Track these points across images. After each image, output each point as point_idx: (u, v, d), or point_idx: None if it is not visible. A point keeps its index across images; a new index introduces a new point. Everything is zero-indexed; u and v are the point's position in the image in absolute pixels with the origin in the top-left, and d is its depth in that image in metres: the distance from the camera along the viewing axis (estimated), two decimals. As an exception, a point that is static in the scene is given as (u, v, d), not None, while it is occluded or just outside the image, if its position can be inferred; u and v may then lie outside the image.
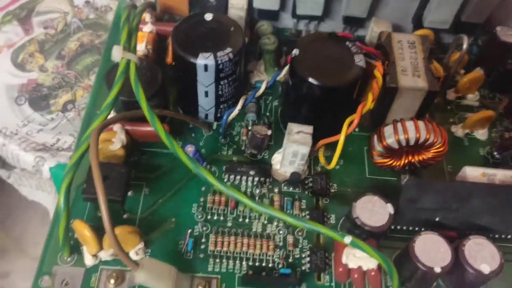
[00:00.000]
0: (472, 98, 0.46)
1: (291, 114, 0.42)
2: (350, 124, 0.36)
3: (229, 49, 0.37)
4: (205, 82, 0.39)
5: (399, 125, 0.38)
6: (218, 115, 0.42)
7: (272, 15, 0.48)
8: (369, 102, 0.37)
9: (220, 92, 0.40)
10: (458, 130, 0.44)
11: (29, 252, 0.75)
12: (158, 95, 0.40)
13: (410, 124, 0.37)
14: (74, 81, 0.48)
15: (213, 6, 0.47)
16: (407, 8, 0.48)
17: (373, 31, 0.45)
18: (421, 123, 0.37)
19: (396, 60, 0.40)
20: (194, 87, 0.39)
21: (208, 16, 0.40)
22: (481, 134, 0.44)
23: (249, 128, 0.43)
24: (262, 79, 0.46)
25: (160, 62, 0.45)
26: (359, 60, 0.38)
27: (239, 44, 0.38)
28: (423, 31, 0.46)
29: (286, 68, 0.41)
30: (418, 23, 0.48)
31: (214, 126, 0.43)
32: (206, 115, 0.42)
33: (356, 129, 0.44)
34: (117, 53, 0.37)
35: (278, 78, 0.42)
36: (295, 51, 0.38)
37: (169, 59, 0.44)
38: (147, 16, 0.46)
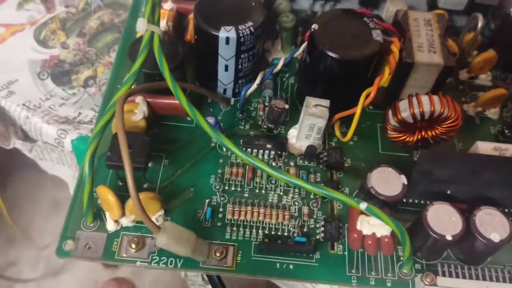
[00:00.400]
0: (484, 78, 0.47)
1: (308, 90, 0.43)
2: (367, 97, 0.37)
3: (250, 23, 0.39)
4: (225, 56, 0.40)
5: (414, 99, 0.39)
6: (236, 90, 0.44)
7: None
8: (386, 76, 0.38)
9: (240, 67, 0.41)
10: (470, 109, 0.45)
11: (36, 241, 0.76)
12: (179, 68, 0.41)
13: (425, 98, 0.38)
14: (95, 58, 0.49)
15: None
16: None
17: (388, 10, 0.46)
18: (435, 97, 0.38)
19: (412, 37, 0.41)
20: (215, 60, 0.40)
21: (230, -9, 0.41)
22: (493, 113, 0.45)
23: (266, 104, 0.44)
24: (279, 57, 0.47)
25: (180, 39, 0.47)
26: (377, 35, 0.39)
27: (260, 18, 0.39)
28: (438, 11, 0.46)
29: (304, 45, 0.42)
30: (432, 4, 0.49)
31: (232, 102, 0.44)
32: (225, 90, 0.43)
33: (370, 107, 0.45)
34: (142, 25, 0.38)
35: (295, 55, 0.43)
36: (314, 26, 0.39)
37: (188, 36, 0.45)
38: (167, -8, 0.47)
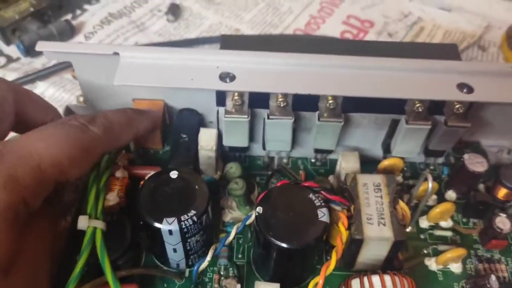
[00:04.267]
0: (445, 225, 0.46)
1: (261, 263, 0.42)
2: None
3: (193, 212, 0.38)
4: (172, 242, 0.39)
5: (365, 280, 0.38)
6: (190, 263, 0.43)
7: (242, 149, 0.49)
8: (332, 263, 0.37)
9: (188, 247, 0.40)
10: (432, 264, 0.44)
11: None
12: (128, 251, 0.40)
13: (376, 280, 0.37)
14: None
15: (185, 142, 0.48)
16: (375, 136, 0.49)
17: (341, 166, 0.45)
18: (387, 279, 0.37)
19: (361, 207, 0.40)
20: (162, 245, 0.39)
21: (173, 174, 0.40)
22: (456, 267, 0.43)
23: (221, 273, 0.43)
24: (235, 216, 0.46)
25: (133, 206, 0.46)
26: (323, 215, 0.38)
27: (203, 204, 0.39)
28: (393, 160, 0.46)
29: (255, 212, 0.41)
30: (387, 149, 0.49)
31: (187, 273, 0.43)
32: (178, 265, 0.42)
33: (329, 268, 0.44)
34: (84, 223, 0.37)
35: (247, 223, 0.42)
36: (259, 209, 0.39)
37: (141, 205, 0.45)
38: (120, 159, 0.47)
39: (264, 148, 0.49)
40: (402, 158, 0.47)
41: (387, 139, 0.48)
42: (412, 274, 0.42)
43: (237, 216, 0.46)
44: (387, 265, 0.42)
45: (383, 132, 0.48)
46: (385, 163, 0.46)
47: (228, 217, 0.46)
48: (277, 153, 0.50)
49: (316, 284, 0.36)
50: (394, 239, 0.39)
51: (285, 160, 0.51)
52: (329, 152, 0.49)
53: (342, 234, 0.38)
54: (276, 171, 0.50)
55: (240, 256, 0.44)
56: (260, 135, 0.49)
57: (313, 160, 0.51)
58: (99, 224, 0.38)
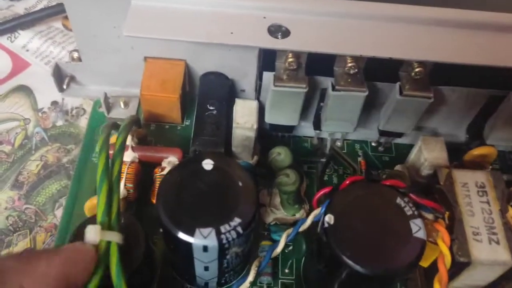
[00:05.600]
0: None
1: (318, 284, 0.32)
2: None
3: (237, 220, 0.27)
4: (204, 259, 0.28)
5: (473, 317, 0.27)
6: (223, 281, 0.32)
7: (288, 128, 0.38)
8: (436, 297, 0.26)
9: (225, 265, 0.29)
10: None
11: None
12: (143, 266, 0.29)
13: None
14: (34, 220, 0.37)
15: (213, 116, 0.37)
16: (462, 117, 0.38)
17: (423, 156, 0.34)
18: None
19: (463, 216, 0.29)
20: (190, 261, 0.28)
21: (208, 165, 0.29)
22: None
23: (264, 293, 0.33)
24: (278, 217, 0.35)
25: (144, 199, 0.35)
26: (418, 229, 0.27)
27: (251, 209, 0.27)
28: (485, 148, 0.35)
29: (312, 216, 0.31)
30: (475, 134, 0.38)
31: (217, 294, 0.33)
32: (206, 284, 0.32)
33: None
34: (93, 235, 0.26)
35: (301, 230, 0.31)
36: (329, 218, 0.27)
37: (155, 200, 0.33)
38: (128, 138, 0.36)
39: (317, 128, 0.38)
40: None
41: (478, 121, 0.37)
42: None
43: (282, 216, 0.35)
44: (487, 291, 0.32)
45: (474, 112, 0.37)
46: (474, 152, 0.35)
47: (270, 217, 0.35)
48: (330, 134, 0.39)
49: None
50: (513, 263, 0.28)
51: (339, 143, 0.40)
52: (399, 135, 0.38)
53: (445, 256, 0.28)
54: (330, 157, 0.38)
55: (287, 271, 0.34)
56: (312, 110, 0.38)
57: (374, 144, 0.40)
58: (115, 237, 0.26)
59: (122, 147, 0.30)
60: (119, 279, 0.26)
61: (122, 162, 0.30)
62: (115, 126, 0.33)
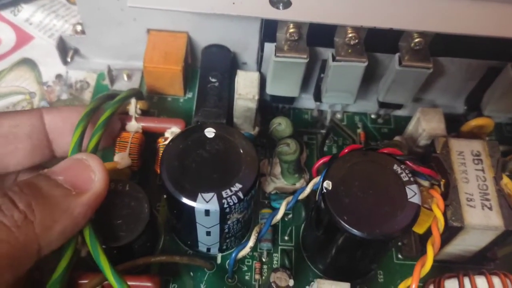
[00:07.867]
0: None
1: (317, 249, 0.33)
2: (405, 291, 0.27)
3: (238, 186, 0.28)
4: (206, 224, 0.29)
5: (466, 281, 0.28)
6: (224, 247, 0.33)
7: (289, 99, 0.39)
8: (429, 262, 0.27)
9: (226, 231, 0.30)
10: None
11: None
12: (146, 231, 0.30)
13: (481, 282, 0.28)
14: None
15: (215, 88, 0.37)
16: (460, 89, 0.38)
17: (421, 126, 0.35)
18: (496, 282, 0.28)
19: (458, 183, 0.30)
20: (192, 226, 0.30)
21: (210, 132, 0.30)
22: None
23: (263, 260, 0.34)
24: (278, 186, 0.36)
25: (149, 168, 0.36)
26: (413, 195, 0.28)
27: (252, 175, 0.28)
28: (482, 120, 0.36)
29: (311, 184, 0.31)
30: (473, 105, 0.38)
31: (219, 259, 0.34)
32: (208, 249, 0.33)
33: (400, 255, 0.34)
34: None
35: (300, 198, 0.32)
36: (327, 184, 0.28)
37: (159, 169, 0.34)
38: (131, 109, 0.36)
39: (317, 99, 0.38)
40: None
41: (476, 92, 0.38)
42: (508, 265, 0.33)
43: (282, 186, 0.36)
44: (479, 257, 0.33)
45: (472, 84, 0.38)
46: (472, 123, 0.36)
47: (270, 187, 0.36)
48: (330, 106, 0.40)
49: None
50: (505, 228, 0.29)
51: (339, 116, 0.40)
52: (399, 107, 0.39)
53: (438, 220, 0.28)
54: (330, 129, 0.39)
55: (286, 238, 0.35)
56: (312, 82, 0.38)
57: (373, 116, 0.41)
58: None
59: (105, 122, 0.31)
60: (95, 248, 0.26)
61: (100, 138, 0.30)
62: (110, 97, 0.34)
